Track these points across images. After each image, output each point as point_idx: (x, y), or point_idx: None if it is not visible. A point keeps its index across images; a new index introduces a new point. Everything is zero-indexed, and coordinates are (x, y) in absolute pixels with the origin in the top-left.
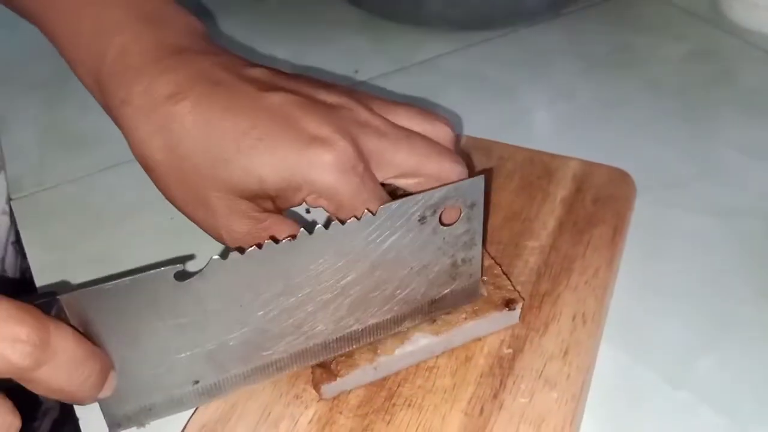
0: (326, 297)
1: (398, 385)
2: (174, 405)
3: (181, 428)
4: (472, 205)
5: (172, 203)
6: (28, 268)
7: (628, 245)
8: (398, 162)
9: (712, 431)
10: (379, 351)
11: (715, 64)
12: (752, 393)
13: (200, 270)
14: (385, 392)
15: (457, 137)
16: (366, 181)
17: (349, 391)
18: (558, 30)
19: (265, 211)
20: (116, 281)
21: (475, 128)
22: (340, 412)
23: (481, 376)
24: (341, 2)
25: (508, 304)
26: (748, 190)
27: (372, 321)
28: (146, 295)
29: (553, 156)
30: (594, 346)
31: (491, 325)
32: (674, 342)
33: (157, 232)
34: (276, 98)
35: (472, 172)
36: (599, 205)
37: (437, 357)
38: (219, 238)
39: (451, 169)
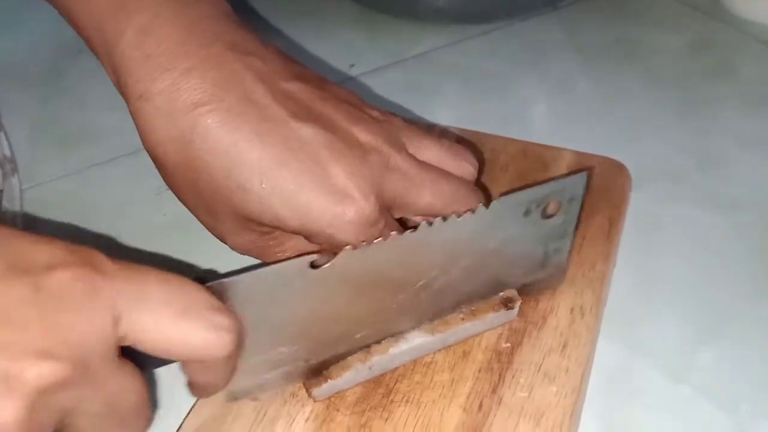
0: (432, 286)
1: (396, 382)
2: (284, 379)
3: (176, 429)
4: (571, 200)
5: (179, 200)
6: None
7: (627, 239)
8: (422, 205)
9: (711, 425)
10: (372, 351)
11: (714, 55)
12: (752, 387)
13: (330, 261)
14: (382, 389)
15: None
16: (384, 234)
17: (345, 390)
18: (555, 22)
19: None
20: (256, 270)
21: (472, 122)
22: (338, 410)
23: (479, 371)
24: None
25: (506, 303)
26: (748, 183)
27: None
28: (281, 284)
29: (546, 147)
30: (593, 339)
31: (488, 324)
32: (673, 336)
33: (150, 228)
34: (308, 133)
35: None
36: (594, 196)
37: (435, 353)
38: (224, 241)
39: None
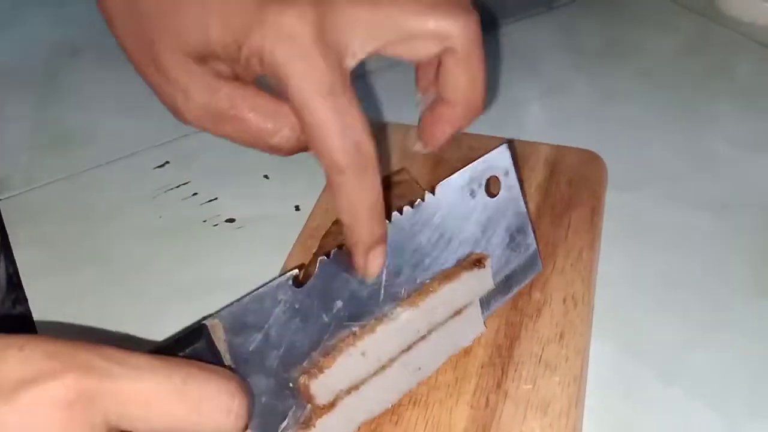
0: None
1: None
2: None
3: None
4: (506, 173)
5: (132, 64)
6: (16, 272)
7: (621, 239)
8: (378, 24)
9: (704, 426)
10: (358, 332)
11: (709, 56)
12: (744, 388)
13: (314, 273)
14: None
15: None
16: (334, 71)
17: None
18: (550, 23)
19: (223, 77)
20: (245, 296)
21: None
22: None
23: (482, 368)
24: None
25: (477, 263)
26: (743, 184)
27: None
28: (270, 303)
29: (523, 143)
30: (587, 328)
31: (467, 289)
32: (667, 337)
33: (146, 230)
34: None
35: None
36: (574, 187)
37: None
38: (177, 110)
39: (450, 22)
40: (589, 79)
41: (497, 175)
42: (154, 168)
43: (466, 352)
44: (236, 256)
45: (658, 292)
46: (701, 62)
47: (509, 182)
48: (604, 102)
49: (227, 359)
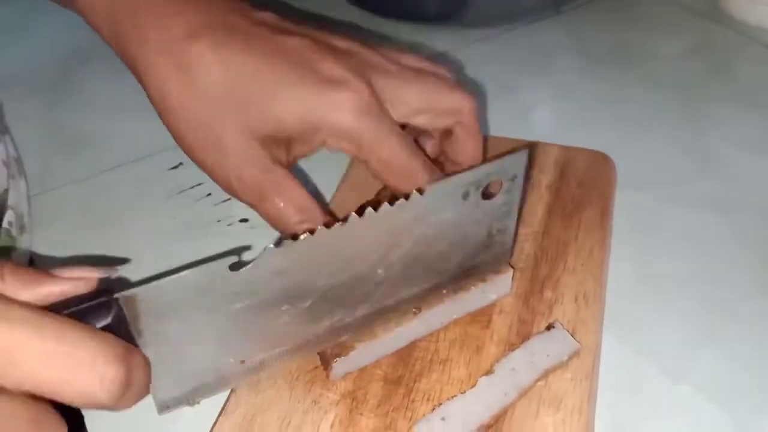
0: (369, 275)
1: (414, 381)
2: (221, 384)
3: None
4: (514, 178)
5: (183, 149)
6: None
7: (628, 240)
8: (411, 99)
9: (713, 424)
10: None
11: (714, 59)
12: (752, 386)
13: (254, 259)
14: (402, 389)
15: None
16: (383, 120)
17: (366, 393)
18: (557, 27)
19: (278, 162)
20: (172, 276)
21: None
22: (361, 414)
23: (495, 364)
24: (341, 2)
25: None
26: (748, 185)
27: (407, 294)
28: (201, 286)
29: (533, 144)
30: (598, 326)
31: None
32: (674, 336)
33: (160, 234)
34: (291, 41)
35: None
36: (584, 188)
37: (449, 349)
38: (227, 186)
39: (462, 100)
40: (596, 82)
41: (502, 179)
42: (168, 170)
43: (479, 349)
44: (249, 256)
45: (665, 292)
46: (707, 65)
47: (514, 188)
48: (612, 104)
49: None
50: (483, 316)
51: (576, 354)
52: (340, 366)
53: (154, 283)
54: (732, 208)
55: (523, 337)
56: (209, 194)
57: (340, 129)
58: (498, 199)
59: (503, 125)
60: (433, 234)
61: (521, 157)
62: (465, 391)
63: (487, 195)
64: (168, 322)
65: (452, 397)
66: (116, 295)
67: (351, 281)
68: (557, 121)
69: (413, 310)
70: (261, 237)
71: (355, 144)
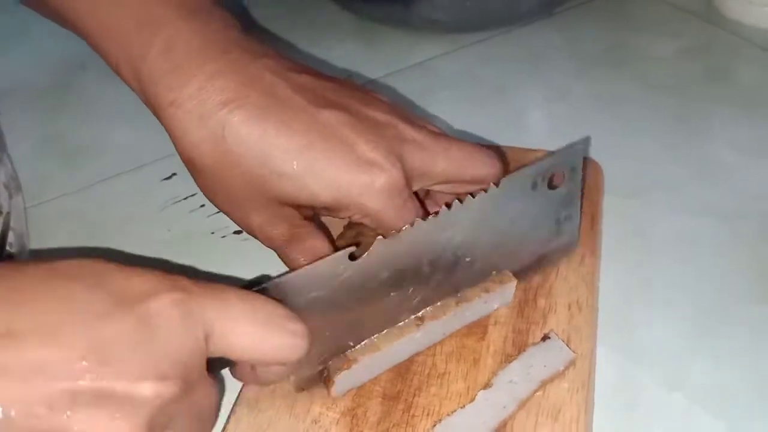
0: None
1: (413, 396)
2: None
3: None
4: (573, 169)
5: (210, 201)
6: None
7: (623, 247)
8: (440, 171)
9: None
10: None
11: (709, 60)
12: (747, 393)
13: (368, 251)
14: (401, 404)
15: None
16: (407, 203)
17: (366, 410)
18: (551, 29)
19: (305, 218)
20: (305, 268)
21: (469, 130)
22: (362, 431)
23: (492, 376)
24: (333, 7)
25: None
26: (743, 190)
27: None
28: (325, 276)
29: (523, 150)
30: (593, 332)
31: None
32: (669, 344)
33: (155, 244)
34: (329, 116)
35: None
36: None
37: (446, 362)
38: (251, 233)
39: (486, 171)
40: (589, 85)
41: (563, 170)
42: (162, 180)
43: (476, 361)
44: (244, 267)
45: (658, 299)
46: (702, 66)
47: (575, 178)
48: (605, 107)
49: None
50: (478, 328)
51: (572, 363)
52: (342, 381)
53: (284, 277)
54: (726, 212)
55: (519, 347)
56: (202, 205)
57: (367, 210)
58: (562, 189)
59: (495, 130)
60: (508, 222)
61: (579, 150)
62: (464, 406)
63: (552, 186)
64: (298, 312)
65: (452, 412)
66: (265, 285)
67: (443, 267)
68: (548, 124)
69: (416, 321)
70: (255, 249)
71: (376, 222)
